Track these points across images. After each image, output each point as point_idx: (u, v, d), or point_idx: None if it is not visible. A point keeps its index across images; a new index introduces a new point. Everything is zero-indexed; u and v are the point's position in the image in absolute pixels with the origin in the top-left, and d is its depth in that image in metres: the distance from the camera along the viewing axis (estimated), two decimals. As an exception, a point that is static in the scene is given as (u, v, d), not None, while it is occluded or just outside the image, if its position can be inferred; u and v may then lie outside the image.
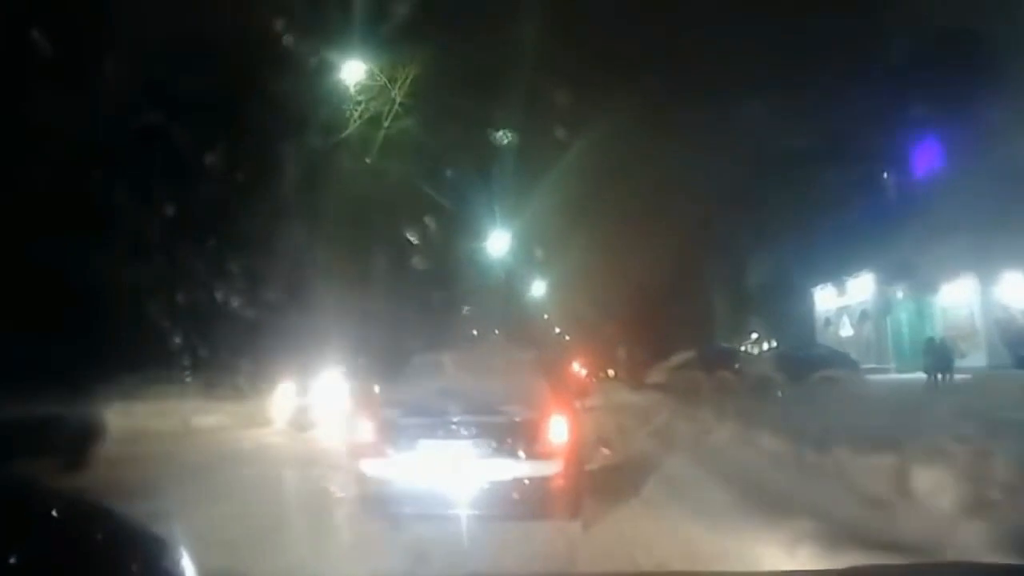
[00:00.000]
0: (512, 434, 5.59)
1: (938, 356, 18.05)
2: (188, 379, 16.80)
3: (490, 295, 43.29)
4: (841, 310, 33.80)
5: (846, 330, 33.04)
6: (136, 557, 1.90)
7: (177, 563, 1.97)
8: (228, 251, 18.84)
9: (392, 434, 5.78)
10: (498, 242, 39.22)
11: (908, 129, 28.93)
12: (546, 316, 60.92)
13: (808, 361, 20.45)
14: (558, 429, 5.72)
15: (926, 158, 27.99)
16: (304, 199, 20.21)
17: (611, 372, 64.71)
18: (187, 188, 18.86)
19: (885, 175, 31.86)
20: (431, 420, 5.72)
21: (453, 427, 5.64)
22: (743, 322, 48.59)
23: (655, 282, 57.72)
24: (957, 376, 18.50)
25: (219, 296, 17.86)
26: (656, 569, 4.84)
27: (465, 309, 44.37)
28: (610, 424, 14.26)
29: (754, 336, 47.75)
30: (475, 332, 55.37)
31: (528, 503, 5.53)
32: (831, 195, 36.72)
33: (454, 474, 5.52)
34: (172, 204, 18.49)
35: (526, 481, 5.51)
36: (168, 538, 2.02)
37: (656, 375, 30.86)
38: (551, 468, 5.57)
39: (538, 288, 52.50)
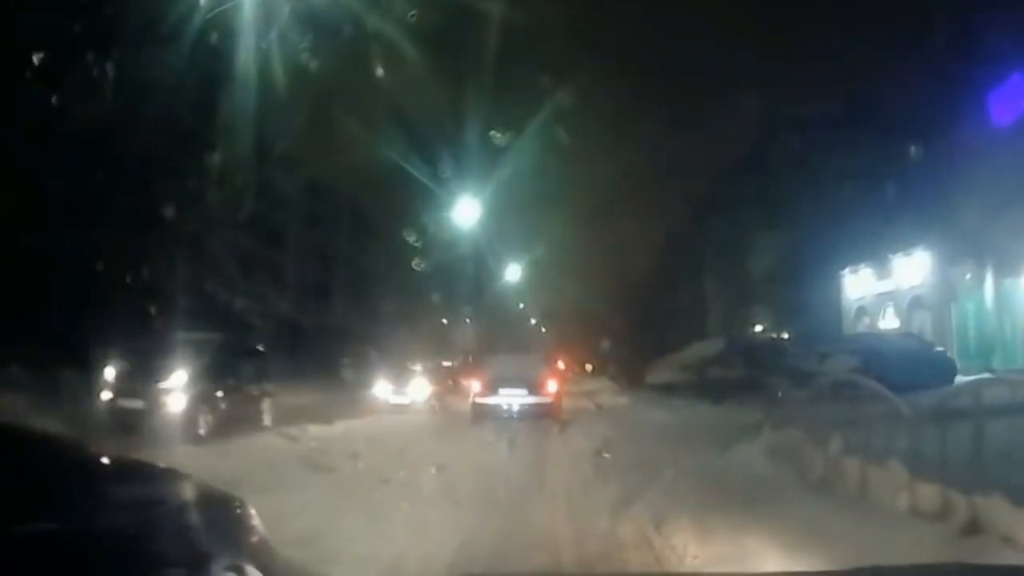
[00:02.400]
0: (534, 385, 15.92)
1: None
2: None
3: (457, 272, 37.77)
4: (882, 297, 27.80)
5: (888, 321, 27.02)
6: (217, 514, 2.06)
7: (250, 519, 2.15)
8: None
9: (489, 386, 16.09)
10: (466, 211, 32.64)
11: (983, 66, 23.07)
12: (521, 305, 55.81)
13: (901, 359, 14.18)
14: (552, 384, 16.53)
15: (1010, 101, 22.04)
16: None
17: (588, 367, 59.43)
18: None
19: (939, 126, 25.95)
20: (504, 379, 15.96)
21: (512, 383, 15.80)
22: (745, 312, 42.82)
23: (645, 269, 52.17)
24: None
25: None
26: (656, 570, 4.88)
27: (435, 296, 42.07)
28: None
29: (759, 328, 42.02)
30: (444, 321, 50.06)
31: (540, 414, 15.50)
32: (866, 159, 31.05)
33: (512, 402, 15.70)
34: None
35: (539, 405, 15.70)
36: (239, 497, 2.21)
37: (662, 372, 24.70)
38: (549, 400, 16.04)
39: (512, 273, 46.42)
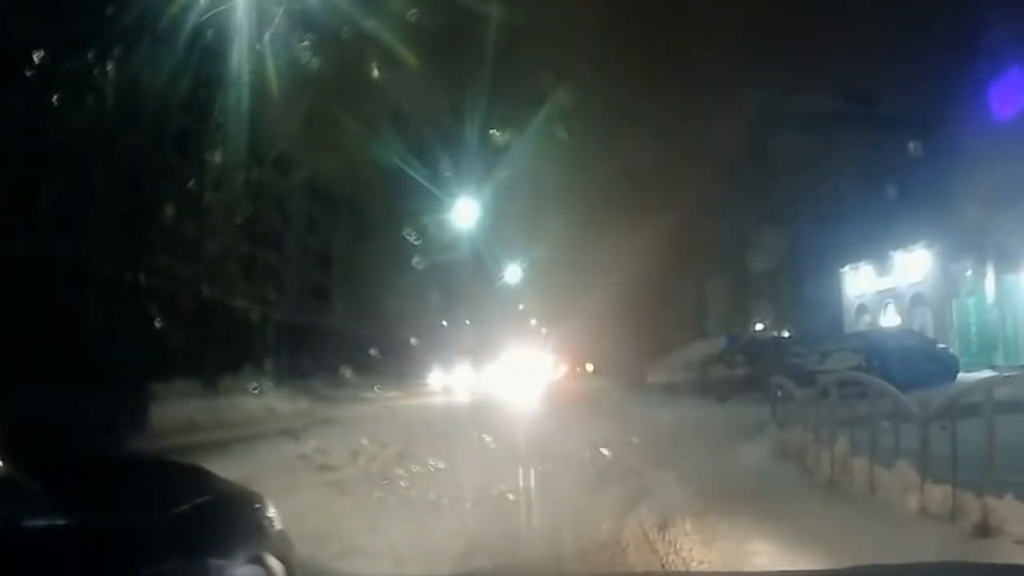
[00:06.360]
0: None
1: None
2: None
3: (456, 274, 37.78)
4: (883, 294, 27.68)
5: (889, 318, 26.91)
6: (241, 510, 2.29)
7: (268, 512, 2.38)
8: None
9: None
10: (465, 212, 32.55)
11: (983, 61, 23.01)
12: (521, 306, 55.85)
13: (903, 356, 14.09)
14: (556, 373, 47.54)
15: (1011, 95, 21.95)
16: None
17: (590, 367, 59.31)
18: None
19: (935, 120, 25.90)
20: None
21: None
22: (746, 311, 42.67)
23: (645, 268, 51.92)
24: None
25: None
26: (656, 569, 4.78)
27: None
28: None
29: (759, 327, 41.90)
30: (444, 323, 49.92)
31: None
32: (866, 155, 30.99)
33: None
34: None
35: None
36: (259, 494, 2.43)
37: (664, 372, 24.64)
38: (556, 377, 44.59)
39: (512, 274, 46.36)
